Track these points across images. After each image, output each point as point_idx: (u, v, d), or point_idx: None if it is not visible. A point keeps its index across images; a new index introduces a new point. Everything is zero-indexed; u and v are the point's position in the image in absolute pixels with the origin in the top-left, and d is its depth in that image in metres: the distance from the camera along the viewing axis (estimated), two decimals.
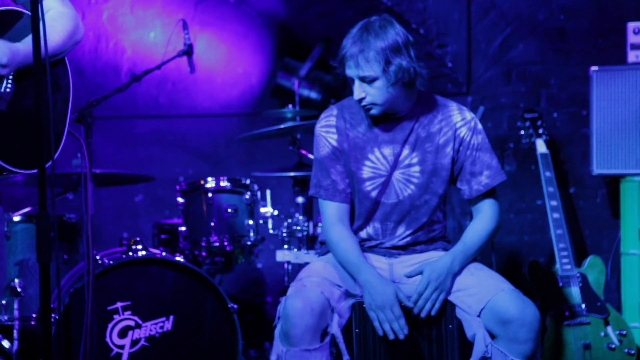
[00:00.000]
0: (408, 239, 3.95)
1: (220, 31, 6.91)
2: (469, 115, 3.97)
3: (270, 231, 5.41)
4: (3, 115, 3.10)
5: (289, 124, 5.55)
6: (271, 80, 6.93)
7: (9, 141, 3.11)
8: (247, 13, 7.04)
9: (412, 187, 3.91)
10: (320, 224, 5.33)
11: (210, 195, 5.22)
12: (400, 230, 3.94)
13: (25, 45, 3.12)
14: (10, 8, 3.19)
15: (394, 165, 3.90)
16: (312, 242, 5.35)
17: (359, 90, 3.80)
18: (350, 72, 3.80)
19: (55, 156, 3.14)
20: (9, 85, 3.11)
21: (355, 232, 3.95)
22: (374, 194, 3.91)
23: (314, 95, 6.69)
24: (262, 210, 5.39)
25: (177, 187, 5.36)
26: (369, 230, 3.95)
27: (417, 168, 3.91)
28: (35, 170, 3.07)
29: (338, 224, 3.89)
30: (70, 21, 3.28)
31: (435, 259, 3.84)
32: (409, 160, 3.90)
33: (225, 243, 5.23)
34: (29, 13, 3.13)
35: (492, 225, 3.95)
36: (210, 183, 5.24)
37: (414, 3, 5.91)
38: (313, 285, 3.74)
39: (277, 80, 6.78)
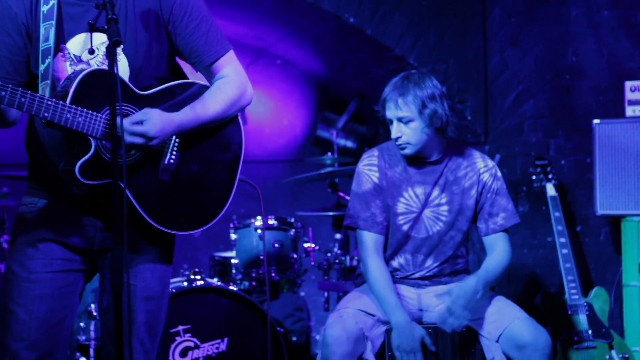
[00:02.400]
0: (435, 270, 3.92)
1: (269, 88, 6.94)
2: (490, 163, 3.96)
3: (312, 263, 5.39)
4: (166, 185, 2.93)
5: (328, 169, 5.55)
6: (312, 131, 6.93)
7: (170, 209, 2.93)
8: (292, 73, 7.07)
9: (440, 224, 3.89)
10: (355, 257, 5.30)
11: (259, 231, 5.21)
12: (429, 262, 3.91)
13: (181, 114, 2.88)
14: (183, 82, 3.01)
15: (425, 204, 3.88)
16: (348, 273, 5.32)
17: (396, 130, 3.80)
18: (390, 113, 3.80)
19: (223, 211, 3.03)
20: (173, 157, 2.92)
21: (387, 260, 3.92)
22: (405, 227, 3.89)
23: (350, 144, 6.69)
24: (305, 245, 5.37)
25: (231, 225, 5.35)
26: (400, 261, 3.92)
27: (445, 207, 3.89)
28: (196, 231, 3.03)
29: (375, 256, 3.86)
30: (235, 89, 3.01)
31: (461, 283, 3.79)
32: (438, 200, 3.89)
33: (273, 274, 5.21)
34: (201, 83, 3.03)
35: (507, 258, 3.92)
36: (260, 221, 5.23)
37: (438, 64, 5.91)
38: (349, 316, 3.72)
39: (318, 132, 6.78)
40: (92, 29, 2.72)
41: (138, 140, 2.77)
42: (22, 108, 2.65)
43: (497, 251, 3.93)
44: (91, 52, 2.83)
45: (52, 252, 2.90)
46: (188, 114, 2.89)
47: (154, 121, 2.79)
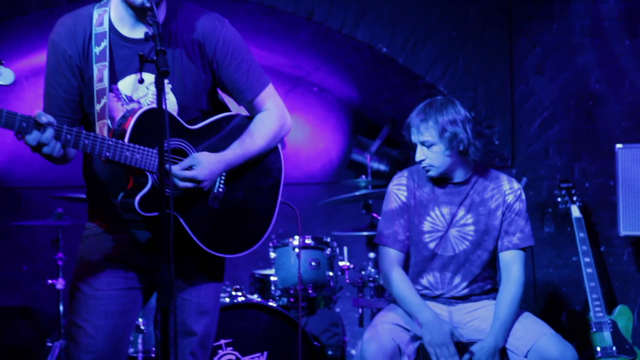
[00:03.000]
0: (465, 290, 3.92)
1: (306, 114, 6.99)
2: (516, 185, 3.96)
3: (347, 281, 5.41)
4: (216, 212, 3.00)
5: (363, 191, 5.57)
6: (347, 155, 6.96)
7: (220, 234, 3.00)
8: (328, 100, 7.11)
9: (466, 243, 3.89)
10: None
11: (297, 250, 5.23)
12: (457, 280, 3.91)
13: (229, 154, 2.96)
14: (227, 115, 3.07)
15: (450, 223, 3.89)
16: (382, 290, 5.33)
17: (420, 153, 3.83)
18: (414, 137, 3.84)
19: (267, 234, 3.10)
20: (222, 186, 3.00)
21: (415, 279, 3.92)
22: (431, 245, 3.90)
23: (383, 167, 6.71)
24: (340, 263, 5.39)
25: (270, 244, 5.39)
26: (429, 279, 3.92)
27: (471, 227, 3.89)
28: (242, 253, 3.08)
29: (396, 267, 3.87)
30: (276, 122, 3.07)
31: (480, 346, 3.73)
32: (464, 220, 3.89)
33: (310, 291, 5.23)
34: (242, 114, 3.10)
35: (517, 289, 3.85)
36: (297, 241, 5.26)
37: (466, 91, 5.92)
38: (385, 331, 3.73)
39: (352, 155, 6.81)
40: (142, 60, 2.76)
41: (189, 184, 2.86)
42: (86, 149, 2.73)
43: (506, 283, 3.85)
44: (141, 81, 2.88)
45: (115, 271, 2.98)
46: (235, 153, 2.97)
47: (203, 165, 2.87)
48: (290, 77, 6.96)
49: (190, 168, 2.86)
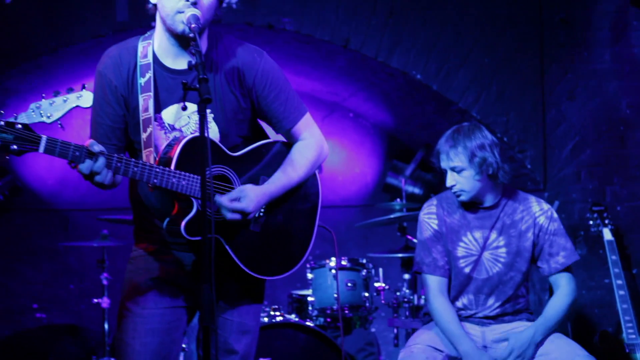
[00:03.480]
0: (497, 310, 3.89)
1: (342, 139, 7.00)
2: (545, 206, 3.94)
3: (382, 302, 5.38)
4: (257, 235, 3.03)
5: (397, 214, 5.56)
6: (382, 178, 6.96)
7: (261, 257, 3.03)
8: (363, 125, 7.12)
9: (499, 265, 3.87)
10: (423, 297, 5.27)
11: (333, 271, 5.22)
12: (491, 301, 3.88)
13: (272, 187, 3.00)
14: (267, 142, 3.10)
15: (483, 247, 3.87)
16: (416, 311, 5.30)
17: (450, 179, 3.82)
18: (443, 163, 3.82)
19: (305, 256, 3.13)
20: (262, 211, 3.03)
21: (452, 301, 3.91)
22: (466, 269, 3.87)
23: (417, 190, 6.69)
24: (376, 284, 5.37)
25: (308, 265, 5.38)
26: (464, 301, 3.91)
27: (503, 250, 3.87)
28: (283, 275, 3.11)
29: (439, 296, 3.86)
30: (314, 151, 3.11)
31: (520, 330, 3.76)
32: (497, 243, 3.87)
33: (346, 311, 5.22)
34: (281, 141, 3.13)
35: (569, 299, 3.87)
36: (334, 262, 5.25)
37: (499, 117, 5.90)
38: (419, 352, 3.72)
39: (387, 179, 6.80)
40: (185, 87, 2.79)
41: (237, 216, 2.89)
42: (135, 176, 2.79)
43: (558, 293, 3.89)
44: (184, 108, 2.91)
45: (161, 290, 3.02)
46: (277, 185, 3.01)
47: (250, 197, 2.90)
48: (327, 103, 6.98)
49: (237, 200, 2.89)
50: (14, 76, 5.54)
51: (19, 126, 2.64)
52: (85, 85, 3.54)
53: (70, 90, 3.53)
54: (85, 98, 3.54)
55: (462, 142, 3.75)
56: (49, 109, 3.48)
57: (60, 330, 6.50)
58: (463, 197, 3.84)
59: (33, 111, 3.46)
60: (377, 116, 7.03)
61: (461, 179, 3.79)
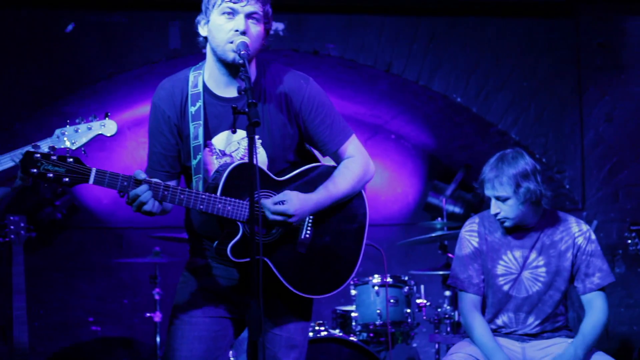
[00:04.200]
0: (537, 328, 3.85)
1: (384, 160, 7.01)
2: (585, 227, 3.90)
3: (424, 318, 5.36)
4: (303, 256, 3.02)
5: (438, 232, 5.54)
6: (424, 198, 6.94)
7: (307, 277, 3.03)
8: (405, 146, 7.12)
9: (539, 284, 3.83)
10: None
11: (376, 288, 5.21)
12: (530, 319, 3.84)
13: (316, 195, 2.98)
14: (312, 165, 3.09)
15: (523, 266, 3.84)
16: (457, 327, 5.26)
17: (495, 207, 3.79)
18: (488, 192, 3.80)
19: (352, 276, 3.11)
20: (309, 232, 3.02)
21: (491, 319, 3.88)
22: (506, 287, 3.84)
23: (457, 210, 6.66)
24: (418, 301, 5.35)
25: (351, 282, 5.35)
26: (504, 319, 3.87)
27: (543, 269, 3.83)
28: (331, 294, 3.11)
29: (473, 311, 3.84)
30: (360, 168, 3.08)
31: (561, 352, 3.70)
32: (536, 263, 3.84)
33: (389, 326, 5.19)
34: (327, 164, 3.13)
35: (604, 318, 3.82)
36: (377, 279, 5.24)
37: (538, 138, 5.87)
38: (460, 359, 3.70)
39: (428, 199, 6.78)
40: (235, 112, 2.82)
41: (279, 218, 2.89)
42: (181, 204, 2.84)
43: (593, 312, 3.83)
44: (234, 132, 2.95)
45: (209, 301, 3.06)
46: (322, 194, 2.99)
47: (293, 201, 2.90)
48: (369, 125, 7.00)
49: (281, 203, 2.90)
50: (72, 101, 5.64)
51: (70, 160, 2.70)
52: (109, 114, 3.59)
53: (94, 117, 3.58)
54: (108, 127, 3.58)
55: (506, 172, 3.73)
56: (73, 136, 3.53)
57: (114, 343, 6.56)
58: (507, 224, 3.82)
59: (58, 137, 3.51)
60: (418, 138, 7.03)
61: (506, 207, 3.77)
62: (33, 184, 3.59)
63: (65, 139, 3.51)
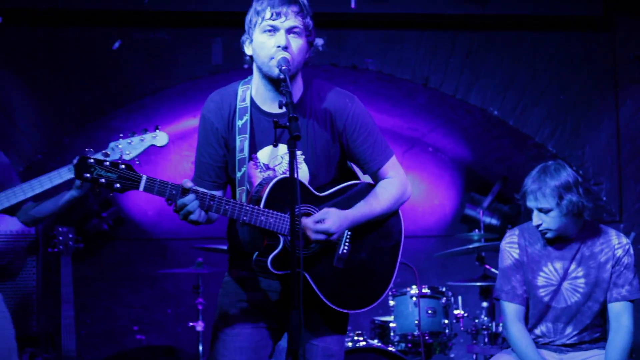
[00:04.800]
0: (575, 338, 3.80)
1: (422, 172, 6.98)
2: (624, 240, 3.85)
3: (461, 328, 5.32)
4: (340, 271, 3.02)
5: (476, 244, 5.51)
6: (461, 210, 6.90)
7: (344, 292, 3.02)
8: (442, 159, 7.09)
9: (578, 295, 3.78)
10: (501, 324, 5.18)
11: (414, 299, 5.18)
12: (569, 330, 3.80)
13: (355, 211, 2.99)
14: (352, 183, 3.09)
15: (563, 277, 3.79)
16: (494, 338, 5.20)
17: (537, 219, 3.75)
18: (530, 204, 3.76)
19: (386, 292, 3.10)
20: (346, 247, 3.02)
21: (530, 329, 3.84)
22: (545, 299, 3.80)
23: (494, 222, 6.61)
24: (455, 312, 5.31)
25: (389, 293, 5.35)
26: (542, 329, 3.83)
27: (582, 280, 3.78)
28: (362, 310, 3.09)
29: (517, 323, 3.79)
30: (398, 189, 3.09)
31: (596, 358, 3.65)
32: (576, 274, 3.79)
33: (426, 337, 5.17)
34: (366, 182, 3.14)
35: (630, 339, 3.74)
36: (415, 290, 5.21)
37: (574, 150, 5.81)
38: None
39: (465, 210, 6.75)
40: (276, 125, 2.83)
41: (321, 237, 2.90)
42: (226, 214, 2.85)
43: (619, 333, 3.74)
44: (275, 145, 2.96)
45: (249, 311, 3.07)
46: (360, 211, 3.00)
47: (333, 219, 2.91)
48: (407, 138, 6.98)
49: (321, 221, 2.90)
50: (119, 116, 5.71)
51: (122, 166, 2.73)
52: (159, 126, 3.63)
53: (145, 130, 3.63)
54: (160, 138, 3.63)
55: (549, 184, 3.70)
56: (127, 148, 3.57)
57: (158, 352, 6.60)
58: (549, 235, 3.78)
59: (112, 149, 3.56)
60: (455, 150, 6.99)
61: (548, 219, 3.73)
62: (86, 193, 3.64)
63: (119, 150, 3.56)
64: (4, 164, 3.88)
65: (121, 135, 3.64)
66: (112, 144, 3.61)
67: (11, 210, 3.82)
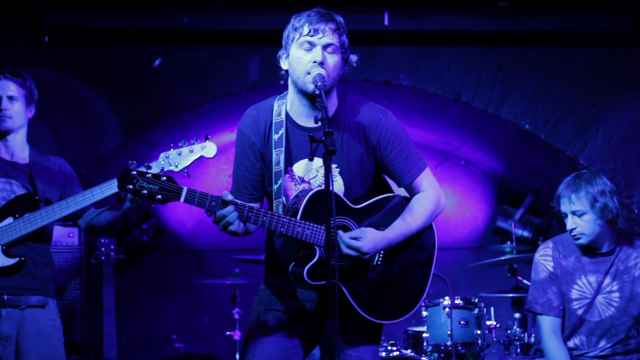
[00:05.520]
0: (608, 351, 3.75)
1: (454, 185, 6.95)
2: None
3: (494, 339, 5.26)
4: (374, 282, 3.02)
5: (508, 256, 5.45)
6: (493, 222, 6.85)
7: (377, 303, 3.01)
8: (474, 172, 7.05)
9: (612, 309, 3.73)
10: (533, 335, 5.13)
11: (447, 310, 5.15)
12: (602, 343, 3.75)
13: (391, 233, 2.98)
14: (387, 195, 3.08)
15: (597, 291, 3.74)
16: (527, 349, 5.14)
17: (571, 222, 3.71)
18: (564, 207, 3.72)
19: (419, 304, 3.08)
20: (381, 259, 3.02)
21: (564, 341, 3.78)
22: (579, 312, 3.75)
23: (526, 234, 6.55)
24: (487, 322, 5.26)
25: (422, 303, 5.31)
26: (575, 342, 3.79)
27: (616, 294, 3.73)
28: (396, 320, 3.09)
29: (553, 337, 3.74)
30: (433, 203, 3.07)
31: None
32: (610, 288, 3.74)
33: (459, 347, 5.12)
34: (401, 195, 3.13)
35: None
36: (447, 301, 5.18)
37: (606, 163, 5.74)
38: None
39: (497, 223, 6.70)
40: (312, 140, 2.84)
41: (353, 253, 2.89)
42: (264, 225, 2.86)
43: None
44: (310, 159, 2.97)
45: (281, 320, 3.07)
46: (396, 232, 2.99)
47: (368, 239, 2.90)
48: (439, 151, 6.96)
49: (356, 239, 2.90)
50: (159, 131, 5.77)
51: (164, 178, 2.75)
52: (209, 137, 3.64)
53: (195, 140, 3.64)
54: (208, 148, 3.63)
55: (584, 187, 3.66)
56: (176, 159, 3.58)
57: None
58: (582, 241, 3.72)
59: (163, 160, 3.58)
60: (487, 163, 6.95)
61: (582, 223, 3.69)
62: (138, 205, 3.67)
63: (169, 161, 3.58)
64: (67, 173, 3.93)
65: (172, 145, 3.66)
66: (162, 155, 3.62)
67: (75, 218, 3.87)
